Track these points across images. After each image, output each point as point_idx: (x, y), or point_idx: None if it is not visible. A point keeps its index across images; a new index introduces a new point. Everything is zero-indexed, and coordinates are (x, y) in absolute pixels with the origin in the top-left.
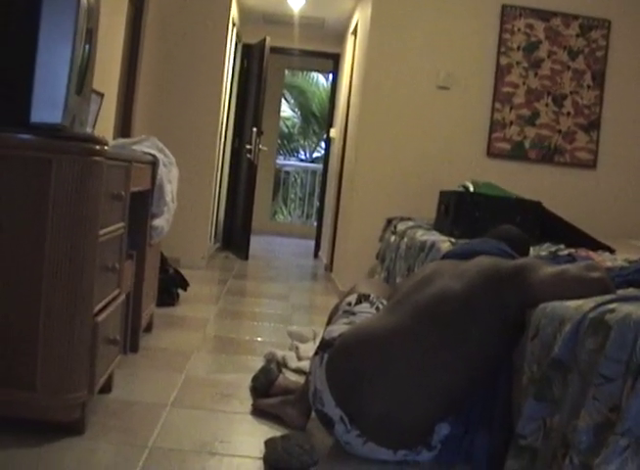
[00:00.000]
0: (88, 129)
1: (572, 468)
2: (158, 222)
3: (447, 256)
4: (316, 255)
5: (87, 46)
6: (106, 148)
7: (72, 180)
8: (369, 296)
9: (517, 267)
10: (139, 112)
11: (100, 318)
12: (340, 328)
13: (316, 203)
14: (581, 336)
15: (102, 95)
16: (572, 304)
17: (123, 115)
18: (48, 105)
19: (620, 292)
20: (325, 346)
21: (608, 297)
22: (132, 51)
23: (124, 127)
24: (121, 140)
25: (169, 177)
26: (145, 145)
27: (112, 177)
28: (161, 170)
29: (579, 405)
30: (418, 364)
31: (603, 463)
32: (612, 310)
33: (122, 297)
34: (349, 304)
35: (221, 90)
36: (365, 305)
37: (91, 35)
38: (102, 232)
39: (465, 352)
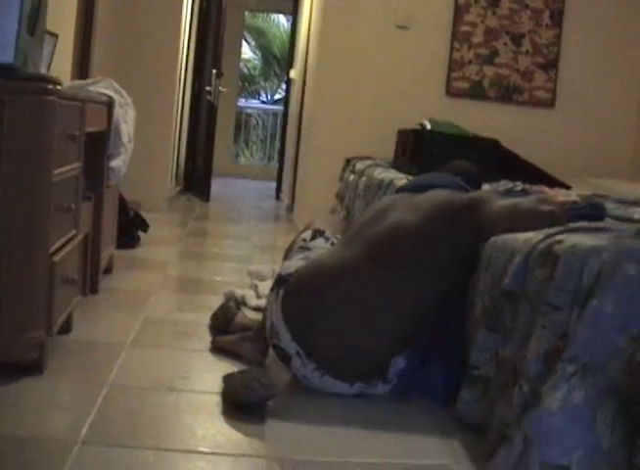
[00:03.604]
0: (42, 71)
1: (522, 396)
2: (115, 163)
3: (402, 189)
4: (278, 196)
5: None
6: (59, 87)
7: (25, 120)
8: (324, 231)
9: (471, 200)
10: (96, 53)
11: (56, 258)
12: (295, 264)
13: (278, 145)
14: (531, 267)
15: (56, 36)
16: (522, 236)
17: (80, 56)
18: None
19: (572, 225)
20: (280, 281)
21: (557, 228)
22: None
23: (82, 69)
24: (77, 82)
25: (125, 118)
26: (100, 86)
27: (65, 117)
28: (117, 111)
29: (529, 335)
30: (372, 298)
31: (551, 389)
32: (559, 241)
33: (80, 237)
34: (304, 239)
35: (179, 31)
36: (320, 241)
37: None
38: (56, 172)
39: (419, 284)
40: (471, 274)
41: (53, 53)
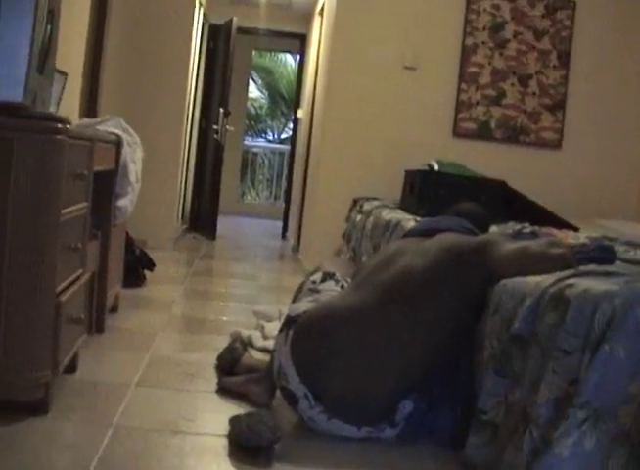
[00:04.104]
0: (51, 109)
1: (532, 441)
2: (122, 202)
3: (410, 233)
4: (284, 235)
5: (49, 25)
6: (68, 127)
7: (34, 159)
8: (334, 274)
9: (479, 243)
10: (105, 92)
11: (63, 297)
12: (304, 305)
13: (284, 183)
14: (541, 311)
15: (65, 75)
16: (533, 279)
17: (89, 95)
18: (9, 83)
19: (582, 268)
20: (289, 322)
21: (568, 272)
22: (98, 31)
23: (90, 108)
24: (86, 120)
25: (133, 157)
26: (109, 125)
27: (74, 156)
28: (126, 150)
29: (539, 379)
30: (382, 342)
31: (562, 436)
32: (571, 285)
33: (86, 276)
34: (314, 282)
35: (188, 70)
36: (330, 284)
37: (53, 14)
38: (64, 211)
39: (429, 328)
40: (479, 317)
41: (62, 91)
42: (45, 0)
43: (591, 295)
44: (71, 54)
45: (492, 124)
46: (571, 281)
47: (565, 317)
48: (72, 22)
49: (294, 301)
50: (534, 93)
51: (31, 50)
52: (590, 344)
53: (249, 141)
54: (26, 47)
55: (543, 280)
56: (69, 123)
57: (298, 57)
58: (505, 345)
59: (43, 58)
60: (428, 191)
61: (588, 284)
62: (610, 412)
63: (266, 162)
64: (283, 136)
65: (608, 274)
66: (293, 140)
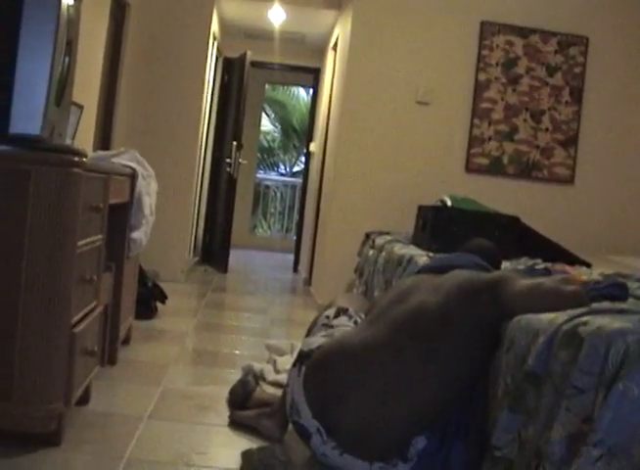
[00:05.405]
0: (68, 141)
1: None
2: (136, 235)
3: (422, 270)
4: (295, 269)
5: (67, 58)
6: (84, 160)
7: (51, 191)
8: (347, 309)
9: (493, 280)
10: (119, 124)
11: (77, 330)
12: (318, 340)
13: (296, 217)
14: (555, 348)
15: (81, 107)
16: (546, 316)
17: (103, 127)
18: (27, 116)
19: (595, 305)
20: (303, 357)
21: (581, 310)
22: (113, 63)
23: (104, 140)
24: (101, 152)
25: (148, 190)
26: (124, 158)
27: (90, 189)
28: (140, 183)
29: (553, 417)
30: (395, 378)
31: None
32: (585, 323)
33: (100, 308)
34: (328, 317)
35: (201, 104)
36: (343, 319)
37: (71, 47)
38: (80, 244)
39: (442, 365)
40: (493, 353)
41: (78, 124)
42: (64, 31)
43: (605, 333)
44: (88, 86)
45: (505, 160)
46: (584, 319)
47: (578, 355)
48: (88, 54)
49: (307, 335)
50: (547, 129)
51: (50, 82)
52: (604, 382)
53: (261, 174)
54: (45, 79)
55: (557, 317)
56: (86, 156)
57: (311, 90)
58: (519, 382)
59: (61, 90)
60: (440, 226)
61: (602, 322)
62: (624, 450)
63: (278, 195)
64: (295, 169)
65: (621, 312)
66: (305, 173)
